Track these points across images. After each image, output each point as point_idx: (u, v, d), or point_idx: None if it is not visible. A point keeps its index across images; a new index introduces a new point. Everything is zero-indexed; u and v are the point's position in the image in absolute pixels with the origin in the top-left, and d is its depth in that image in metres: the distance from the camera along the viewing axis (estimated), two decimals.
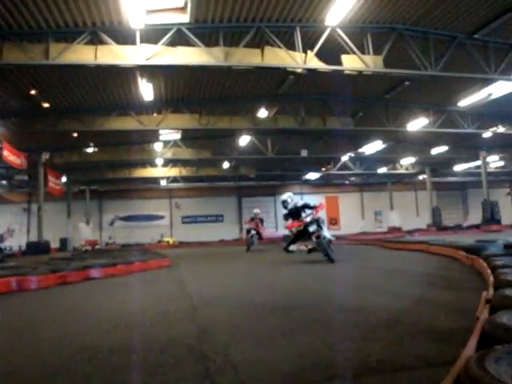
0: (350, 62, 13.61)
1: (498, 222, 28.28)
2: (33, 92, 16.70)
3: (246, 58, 13.17)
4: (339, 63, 13.63)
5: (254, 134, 23.36)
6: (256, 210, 18.74)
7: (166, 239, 35.10)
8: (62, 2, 11.26)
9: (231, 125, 20.35)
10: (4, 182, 32.03)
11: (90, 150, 25.54)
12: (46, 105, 17.94)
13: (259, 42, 13.32)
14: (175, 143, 25.05)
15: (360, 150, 27.50)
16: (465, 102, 18.70)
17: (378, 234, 31.86)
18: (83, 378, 2.65)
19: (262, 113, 19.39)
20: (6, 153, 19.20)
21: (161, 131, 21.13)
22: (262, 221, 18.61)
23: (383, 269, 8.87)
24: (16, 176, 29.74)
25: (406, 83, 17.54)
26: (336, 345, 3.11)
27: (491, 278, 4.33)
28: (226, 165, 31.23)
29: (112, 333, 3.89)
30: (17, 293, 6.67)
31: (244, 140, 23.40)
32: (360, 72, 13.94)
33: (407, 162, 33.37)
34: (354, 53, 13.42)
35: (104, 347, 3.33)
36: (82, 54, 12.51)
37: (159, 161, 29.29)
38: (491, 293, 3.47)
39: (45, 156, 24.63)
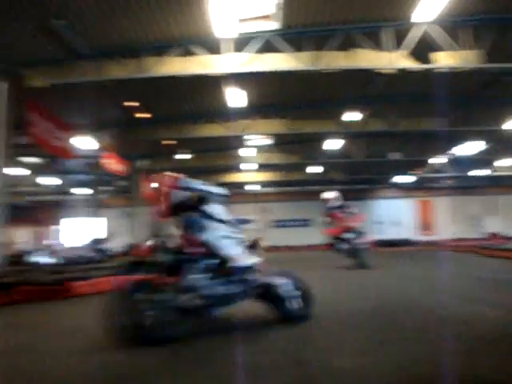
0: (444, 59, 12.97)
1: None
2: (132, 104, 17.89)
3: (334, 61, 13.09)
4: (432, 61, 13.07)
5: (344, 138, 23.05)
6: (327, 195, 12.50)
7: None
8: (154, 21, 12.03)
9: (320, 129, 20.33)
10: (107, 187, 34.33)
11: (182, 156, 26.70)
12: (145, 115, 19.11)
13: (346, 44, 13.17)
14: (265, 149, 25.48)
15: (455, 152, 26.04)
16: None
17: (476, 240, 29.93)
18: None
19: (351, 116, 19.06)
20: (109, 161, 20.69)
21: (250, 137, 21.60)
22: (346, 209, 12.13)
23: (480, 277, 8.37)
24: (118, 182, 31.87)
25: (508, 77, 16.32)
26: (439, 357, 2.97)
27: None
28: (314, 169, 31.11)
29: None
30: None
31: (333, 144, 23.17)
32: (456, 69, 13.24)
33: (509, 163, 31.01)
34: (449, 49, 12.78)
35: None
36: (173, 66, 13.23)
37: (249, 166, 29.90)
38: None
39: (142, 163, 26.22)
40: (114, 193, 36.92)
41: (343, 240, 10.13)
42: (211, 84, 16.15)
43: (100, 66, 13.56)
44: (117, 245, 31.66)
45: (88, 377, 2.82)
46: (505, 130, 20.73)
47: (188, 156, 26.76)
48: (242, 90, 15.74)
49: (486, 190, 37.11)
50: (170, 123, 20.44)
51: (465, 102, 19.63)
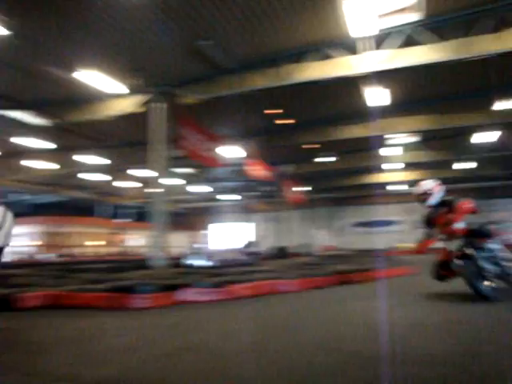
0: None
1: None
2: (272, 111, 18.47)
3: (484, 46, 11.90)
4: None
5: (500, 129, 20.89)
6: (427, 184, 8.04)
7: (401, 245, 34.23)
8: (291, 29, 12.22)
9: (470, 121, 18.74)
10: (253, 193, 35.90)
11: (324, 159, 26.75)
12: (288, 121, 19.59)
13: (498, 26, 11.90)
14: (410, 146, 24.34)
15: None
16: None
17: None
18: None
19: (504, 104, 17.13)
20: (254, 167, 21.60)
21: (394, 135, 20.81)
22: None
23: None
24: (263, 188, 33.16)
25: None
26: None
27: None
28: (463, 165, 28.79)
29: (375, 341, 3.89)
30: (278, 294, 7.35)
31: (488, 136, 21.13)
32: None
33: None
34: None
35: (372, 355, 3.38)
36: (311, 71, 13.32)
37: (393, 165, 28.84)
38: None
39: (285, 168, 26.92)
40: (260, 198, 38.45)
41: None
42: (351, 85, 15.90)
43: (243, 77, 14.28)
44: (265, 248, 32.85)
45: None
46: None
47: (330, 159, 26.70)
48: (385, 88, 15.22)
49: None
50: (311, 127, 20.66)
51: None
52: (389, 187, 35.64)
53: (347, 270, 9.32)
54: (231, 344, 4.04)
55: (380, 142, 22.91)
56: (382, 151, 25.53)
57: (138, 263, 15.98)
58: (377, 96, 15.66)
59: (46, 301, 6.25)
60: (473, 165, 28.72)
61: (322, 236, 36.79)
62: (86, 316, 5.68)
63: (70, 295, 6.30)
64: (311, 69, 13.32)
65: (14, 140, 19.97)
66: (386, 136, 21.06)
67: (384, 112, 19.01)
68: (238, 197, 35.74)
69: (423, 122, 18.97)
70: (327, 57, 13.13)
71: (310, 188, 34.13)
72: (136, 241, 39.52)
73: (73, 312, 5.92)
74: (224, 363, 3.33)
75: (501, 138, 21.76)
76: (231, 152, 20.95)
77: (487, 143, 22.31)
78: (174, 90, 15.08)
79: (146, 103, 15.35)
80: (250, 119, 19.29)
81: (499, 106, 17.20)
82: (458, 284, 6.50)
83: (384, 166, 29.35)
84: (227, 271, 9.90)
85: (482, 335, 4.04)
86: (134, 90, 15.18)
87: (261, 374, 3.00)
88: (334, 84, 15.47)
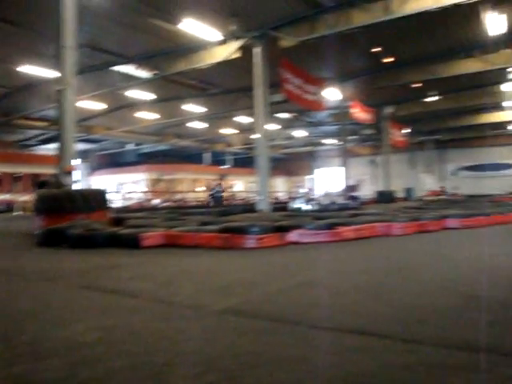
0: None
1: None
2: (377, 50, 17.48)
3: None
4: None
5: None
6: None
7: None
8: None
9: None
10: (353, 137, 35.07)
11: (431, 99, 25.09)
12: (389, 60, 18.49)
13: None
14: None
15: None
16: None
17: None
18: (482, 325, 2.65)
19: None
20: (355, 110, 20.94)
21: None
22: None
23: None
24: (363, 131, 32.17)
25: None
26: None
27: None
28: None
29: (494, 286, 3.75)
30: (382, 237, 7.31)
31: None
32: None
33: None
34: None
35: (493, 299, 3.25)
36: (421, 1, 12.28)
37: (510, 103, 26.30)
38: None
39: (388, 110, 25.73)
40: (361, 142, 37.45)
41: None
42: (463, 13, 14.50)
43: (344, 15, 13.58)
44: (365, 192, 32.31)
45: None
46: None
47: (436, 98, 24.96)
48: (500, 13, 13.69)
49: None
50: (417, 65, 19.34)
51: None
52: (506, 127, 32.74)
53: (453, 214, 8.87)
54: (347, 282, 4.07)
55: (496, 77, 20.92)
56: (499, 87, 23.32)
57: (245, 207, 16.51)
58: (492, 24, 14.18)
59: (164, 240, 6.71)
60: None
61: (427, 180, 35.22)
62: (203, 254, 6.02)
63: (186, 235, 6.69)
64: None
65: (123, 93, 21.12)
66: (504, 70, 19.07)
67: (501, 42, 17.19)
68: (337, 141, 35.10)
69: None
70: None
71: (415, 130, 32.47)
72: (239, 186, 40.85)
73: (189, 251, 6.30)
74: (341, 299, 3.37)
75: None
76: (332, 95, 20.41)
77: None
78: (271, 33, 14.79)
79: (244, 48, 15.28)
80: (351, 60, 18.52)
81: None
82: None
83: (501, 104, 26.84)
84: (334, 214, 9.90)
85: None
86: (232, 36, 15.17)
87: (377, 311, 3.00)
88: (446, 13, 14.20)
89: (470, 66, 18.32)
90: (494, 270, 4.47)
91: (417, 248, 6.45)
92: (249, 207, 15.70)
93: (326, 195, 18.65)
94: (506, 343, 2.32)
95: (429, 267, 4.79)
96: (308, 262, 5.36)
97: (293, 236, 6.54)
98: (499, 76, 20.69)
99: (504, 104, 26.62)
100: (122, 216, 10.18)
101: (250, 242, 6.13)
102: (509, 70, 19.26)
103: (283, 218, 8.40)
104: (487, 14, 13.91)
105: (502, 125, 31.78)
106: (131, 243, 6.39)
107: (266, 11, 14.28)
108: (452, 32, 16.56)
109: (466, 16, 14.76)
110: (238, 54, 15.58)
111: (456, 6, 12.41)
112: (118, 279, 4.35)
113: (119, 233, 6.76)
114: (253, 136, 15.81)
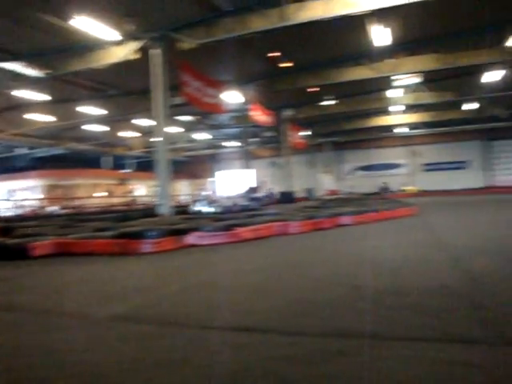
0: None
1: None
2: (275, 54, 17.99)
3: None
4: None
5: (506, 67, 20.39)
6: None
7: (405, 188, 34.49)
8: None
9: (476, 60, 18.22)
10: (255, 139, 35.71)
11: (327, 103, 26.34)
12: (287, 65, 19.11)
13: None
14: (415, 88, 23.84)
15: None
16: None
17: None
18: (361, 313, 2.86)
19: None
20: (255, 113, 21.35)
21: (398, 77, 20.34)
22: None
23: None
24: (264, 133, 32.90)
25: None
26: None
27: None
28: (470, 106, 28.32)
29: (377, 276, 4.06)
30: (279, 236, 7.55)
31: (494, 75, 20.63)
32: None
33: None
34: None
35: (375, 288, 3.53)
36: (314, 10, 12.86)
37: (397, 108, 28.42)
38: None
39: (287, 112, 26.59)
40: (263, 144, 38.27)
41: None
42: (354, 24, 15.39)
43: (242, 20, 13.80)
44: (270, 193, 33.00)
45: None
46: None
47: (332, 102, 26.28)
48: (386, 27, 14.76)
49: None
50: (313, 70, 20.18)
51: None
52: (392, 130, 35.35)
53: (346, 211, 9.42)
54: (241, 281, 4.17)
55: (383, 83, 22.50)
56: (386, 93, 25.14)
57: (144, 212, 16.14)
58: (378, 36, 15.24)
59: (56, 249, 6.38)
60: (475, 106, 28.27)
61: (326, 180, 36.92)
62: (97, 262, 5.82)
63: (80, 243, 6.42)
64: (314, 8, 12.86)
65: (13, 93, 19.68)
66: (389, 77, 20.58)
67: (386, 53, 18.53)
68: (239, 143, 35.60)
69: (429, 61, 18.44)
70: None
71: (314, 132, 33.92)
72: (141, 191, 39.83)
73: (83, 259, 6.06)
74: (233, 298, 3.44)
75: (508, 76, 21.26)
76: (232, 98, 20.64)
77: (494, 82, 21.78)
78: (170, 34, 14.64)
79: (142, 49, 14.96)
80: (251, 63, 18.86)
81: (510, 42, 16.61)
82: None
83: (388, 109, 28.93)
84: (234, 216, 10.03)
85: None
86: (130, 36, 14.75)
87: (267, 308, 3.11)
88: (338, 24, 14.99)
89: (359, 73, 19.52)
90: (378, 261, 4.83)
91: (311, 245, 6.75)
92: (150, 212, 15.35)
93: (228, 197, 18.84)
94: (382, 329, 2.52)
95: (320, 263, 5.04)
96: (203, 264, 5.41)
97: (190, 239, 6.54)
98: (385, 83, 22.26)
99: (390, 109, 28.73)
100: (11, 225, 9.50)
101: (147, 246, 6.05)
102: (393, 77, 20.78)
103: (182, 221, 8.35)
104: (374, 27, 14.91)
105: (389, 128, 34.29)
106: (19, 254, 6.00)
107: (165, 13, 14.09)
108: (343, 40, 17.50)
109: (356, 26, 15.66)
110: (137, 55, 15.20)
111: (346, 16, 13.13)
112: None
113: (5, 243, 6.31)
114: (153, 139, 15.48)
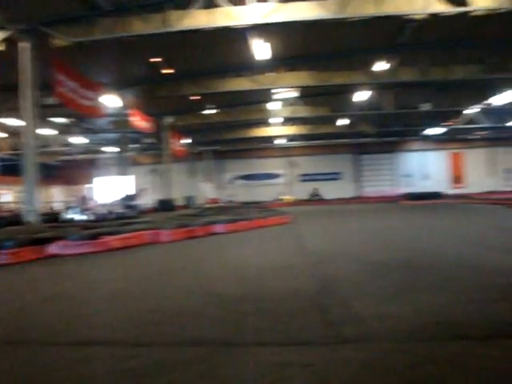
0: (481, 0, 12.16)
1: None
2: (156, 60, 17.67)
3: (361, 7, 12.50)
4: (467, 3, 12.26)
5: (373, 89, 22.37)
6: None
7: (283, 197, 35.97)
8: None
9: (348, 80, 19.74)
10: (135, 145, 34.70)
11: (209, 112, 26.53)
12: (168, 71, 18.87)
13: None
14: (293, 102, 25.01)
15: (490, 101, 24.98)
16: None
17: (510, 192, 29.30)
18: (215, 320, 2.89)
19: (380, 65, 18.31)
20: (135, 118, 20.76)
21: (277, 90, 21.18)
22: None
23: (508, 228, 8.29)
24: (144, 139, 32.12)
25: None
26: (468, 305, 3.00)
27: None
28: (343, 122, 30.49)
29: (239, 283, 4.16)
30: (151, 245, 7.38)
31: (361, 95, 22.52)
32: (492, 11, 12.44)
33: None
34: None
35: (234, 295, 3.58)
36: (198, 19, 12.90)
37: (276, 120, 29.56)
38: None
39: (168, 120, 26.26)
40: (143, 150, 37.32)
41: None
42: (237, 36, 15.73)
43: (122, 21, 13.34)
44: (147, 201, 32.29)
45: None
46: None
47: (214, 111, 26.53)
48: (266, 41, 15.30)
49: None
50: (196, 78, 20.22)
51: (502, 49, 18.57)
52: (273, 141, 36.69)
53: (220, 220, 9.57)
54: (97, 292, 4.01)
55: (264, 95, 23.29)
56: (266, 105, 26.04)
57: (9, 219, 14.87)
58: (259, 50, 15.73)
59: None
60: (347, 122, 30.48)
61: (207, 189, 37.06)
62: None
63: None
64: (197, 17, 12.88)
65: None
66: (270, 90, 21.36)
67: (269, 67, 19.26)
68: (119, 149, 34.29)
69: (305, 77, 19.55)
70: (215, 5, 12.77)
71: (195, 140, 33.89)
72: (8, 196, 36.39)
73: None
74: (86, 310, 3.30)
75: (375, 96, 23.32)
76: (111, 101, 19.83)
77: (363, 101, 23.72)
78: (42, 28, 13.61)
79: (9, 41, 13.70)
80: (130, 67, 18.35)
81: (376, 66, 18.28)
82: None
83: (268, 120, 29.94)
84: (106, 224, 9.61)
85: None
86: None
87: (121, 317, 3.03)
88: (221, 34, 15.18)
89: (240, 84, 19.99)
90: (243, 268, 4.96)
91: (179, 253, 6.72)
92: (16, 219, 14.11)
93: (104, 204, 18.02)
94: (232, 335, 2.57)
95: (184, 271, 5.04)
96: (61, 276, 5.10)
97: (54, 248, 6.13)
98: (266, 95, 23.07)
99: (270, 120, 29.83)
100: None
101: (1, 257, 5.49)
102: (273, 90, 21.61)
103: (49, 230, 7.79)
104: (255, 41, 15.39)
105: (269, 139, 35.58)
106: None
107: (36, 4, 13.08)
108: (227, 51, 17.78)
109: (239, 39, 16.02)
110: (1, 47, 13.92)
111: (228, 28, 13.37)
112: None
113: None
114: (22, 141, 14.26)
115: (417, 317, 2.76)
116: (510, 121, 30.87)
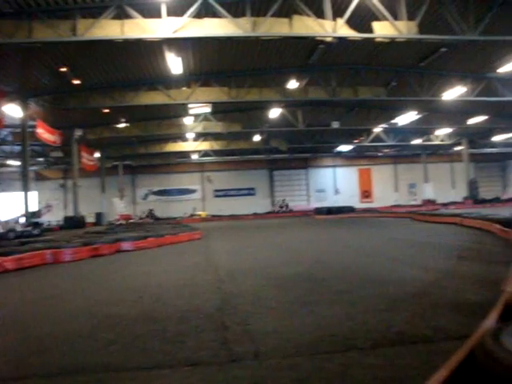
0: (382, 29, 13.03)
1: None
2: (63, 69, 16.83)
3: (274, 27, 12.84)
4: (371, 31, 13.12)
5: (285, 106, 23.02)
6: None
7: (198, 213, 35.69)
8: None
9: (261, 97, 20.08)
10: (40, 159, 32.82)
11: (121, 125, 25.72)
12: (76, 82, 18.07)
13: (287, 11, 12.94)
14: (206, 117, 24.93)
15: (393, 121, 26.74)
16: (506, 68, 17.61)
17: (412, 206, 31.41)
18: (105, 344, 2.71)
19: (292, 84, 18.90)
20: (40, 130, 19.58)
21: (190, 105, 21.03)
22: None
23: (412, 241, 8.76)
24: (51, 153, 30.41)
25: (443, 49, 16.69)
26: (358, 316, 3.06)
27: None
28: (256, 138, 30.95)
29: (137, 303, 3.98)
30: (52, 265, 6.90)
31: (274, 112, 23.08)
32: (393, 39, 13.39)
33: (443, 132, 32.30)
34: (386, 19, 12.83)
35: (128, 316, 3.40)
36: (109, 29, 12.48)
37: (190, 135, 29.34)
38: None
39: (78, 133, 25.05)
40: (51, 165, 35.39)
41: None
42: (151, 49, 15.51)
43: (25, 26, 12.53)
44: (55, 218, 30.62)
45: None
46: (442, 101, 21.31)
47: (127, 124, 25.77)
48: (178, 56, 15.22)
49: (424, 158, 38.76)
50: (108, 90, 19.50)
51: (403, 73, 20.02)
52: (190, 156, 36.35)
53: (127, 237, 9.23)
54: None
55: (178, 110, 23.07)
56: (180, 120, 25.77)
57: None
58: (173, 64, 15.60)
59: None
60: (259, 138, 30.97)
61: (120, 205, 35.81)
62: None
63: None
64: (109, 27, 12.44)
65: None
66: (184, 105, 21.16)
67: (182, 81, 19.13)
68: (20, 163, 32.16)
69: (218, 94, 19.57)
70: (127, 16, 12.45)
71: (107, 155, 32.68)
72: None
73: None
74: None
75: (288, 114, 23.99)
76: (13, 111, 18.60)
77: (275, 118, 24.28)
78: None
79: None
80: (34, 75, 17.33)
81: (288, 85, 18.86)
82: None
83: (183, 135, 29.64)
84: (1, 243, 8.89)
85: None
86: None
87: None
88: (134, 46, 14.87)
89: (154, 97, 19.59)
90: (144, 287, 4.79)
91: (78, 274, 6.36)
92: None
93: (3, 222, 16.75)
94: (119, 360, 2.42)
95: (81, 293, 4.77)
96: None
97: None
98: (181, 110, 22.85)
99: (187, 135, 29.55)
100: None
101: None
102: (189, 105, 21.43)
103: None
104: (167, 55, 15.24)
105: (185, 154, 35.18)
106: None
107: None
108: (139, 64, 17.42)
109: (153, 52, 15.82)
110: None
111: (141, 41, 13.08)
112: None
113: None
114: None
115: (313, 330, 2.76)
116: (411, 139, 33.24)
